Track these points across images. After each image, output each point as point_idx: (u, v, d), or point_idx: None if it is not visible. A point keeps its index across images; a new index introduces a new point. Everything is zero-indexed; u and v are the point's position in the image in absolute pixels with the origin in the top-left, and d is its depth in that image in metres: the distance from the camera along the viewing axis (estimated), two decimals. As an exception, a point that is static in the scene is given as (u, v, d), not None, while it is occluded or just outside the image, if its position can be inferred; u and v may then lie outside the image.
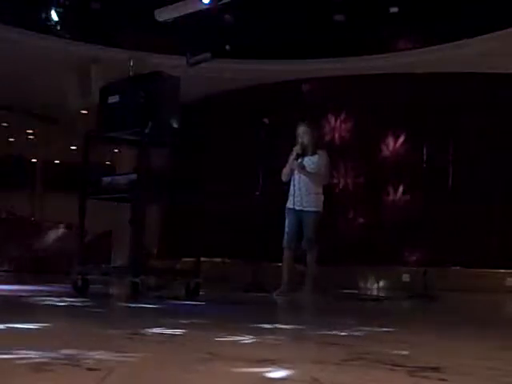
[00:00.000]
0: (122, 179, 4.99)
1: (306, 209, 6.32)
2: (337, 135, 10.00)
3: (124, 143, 5.86)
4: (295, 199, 6.30)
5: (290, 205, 6.40)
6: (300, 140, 6.43)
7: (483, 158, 9.05)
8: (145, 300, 4.44)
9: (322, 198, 6.39)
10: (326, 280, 7.30)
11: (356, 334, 3.00)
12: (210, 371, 1.72)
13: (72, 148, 15.52)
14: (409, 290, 7.08)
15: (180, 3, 7.38)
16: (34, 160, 16.27)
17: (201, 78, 8.77)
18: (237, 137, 10.56)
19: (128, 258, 6.89)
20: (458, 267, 8.64)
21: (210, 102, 10.79)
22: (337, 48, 9.33)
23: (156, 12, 7.62)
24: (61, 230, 11.28)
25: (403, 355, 2.16)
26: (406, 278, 8.56)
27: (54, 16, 7.36)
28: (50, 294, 5.29)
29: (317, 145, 6.45)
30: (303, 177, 6.34)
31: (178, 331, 2.77)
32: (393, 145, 9.59)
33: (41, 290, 6.03)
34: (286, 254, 6.39)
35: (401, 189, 9.44)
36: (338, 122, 9.96)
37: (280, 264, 6.54)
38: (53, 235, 11.01)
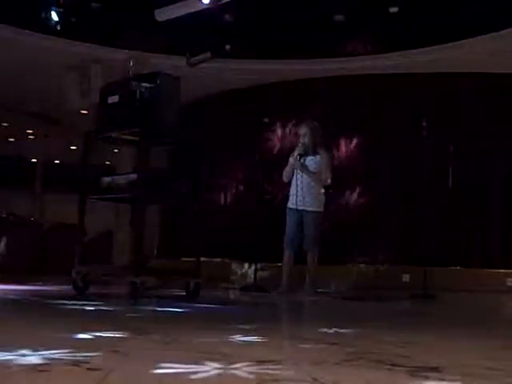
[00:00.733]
0: (122, 179, 4.99)
1: (307, 209, 6.32)
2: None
3: (124, 143, 5.85)
4: (297, 199, 6.30)
5: (291, 205, 6.40)
6: (302, 140, 6.43)
7: (483, 157, 9.04)
8: (145, 300, 4.44)
9: (323, 198, 6.39)
10: (326, 280, 7.31)
11: (356, 333, 3.00)
12: (210, 371, 1.72)
13: (72, 148, 15.52)
14: (409, 290, 7.08)
15: (180, 3, 7.38)
16: (34, 160, 16.27)
17: (201, 78, 8.77)
18: (237, 137, 10.56)
19: (128, 258, 6.90)
20: (457, 267, 8.64)
21: (210, 102, 10.79)
22: (337, 48, 9.32)
23: (156, 12, 7.62)
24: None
25: (403, 355, 2.16)
26: (405, 278, 8.56)
27: (54, 16, 7.36)
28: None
29: (319, 145, 6.45)
30: (305, 177, 6.34)
31: (178, 331, 2.77)
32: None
33: (43, 290, 6.03)
34: (287, 253, 6.39)
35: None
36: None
37: (280, 264, 6.54)
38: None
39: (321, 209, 6.37)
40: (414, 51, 8.94)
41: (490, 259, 8.72)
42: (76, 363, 1.73)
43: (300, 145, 6.42)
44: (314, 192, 6.35)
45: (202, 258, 5.27)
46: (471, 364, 2.07)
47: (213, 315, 3.94)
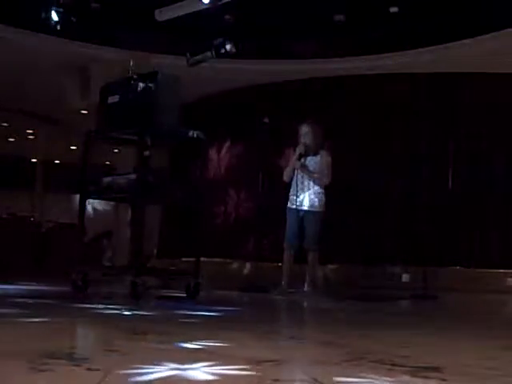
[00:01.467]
0: (121, 179, 4.99)
1: (307, 209, 6.33)
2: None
3: (124, 143, 5.85)
4: (297, 199, 6.30)
5: (291, 204, 6.40)
6: (302, 140, 6.43)
7: (483, 157, 9.04)
8: (145, 300, 4.44)
9: (323, 198, 6.39)
10: (326, 279, 7.33)
11: (356, 334, 3.00)
12: (210, 371, 1.72)
13: (72, 148, 15.52)
14: (409, 290, 7.07)
15: (180, 3, 7.37)
16: (34, 160, 16.27)
17: (201, 78, 8.76)
18: (237, 137, 10.56)
19: (128, 258, 6.91)
20: (457, 267, 8.64)
21: (210, 102, 10.79)
22: (337, 48, 9.32)
23: (156, 12, 7.61)
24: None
25: (403, 355, 2.16)
26: (405, 278, 8.56)
27: (54, 16, 7.35)
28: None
29: (319, 145, 6.46)
30: (305, 177, 6.35)
31: (178, 331, 2.77)
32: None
33: (43, 290, 6.03)
34: (287, 253, 6.39)
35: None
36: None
37: (280, 264, 6.55)
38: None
39: (321, 209, 6.38)
40: (414, 51, 8.95)
41: (490, 259, 8.71)
42: (76, 363, 1.73)
43: (301, 144, 6.42)
44: (314, 192, 6.35)
45: (202, 258, 5.27)
46: (471, 364, 2.07)
47: (212, 315, 3.94)
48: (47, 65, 9.63)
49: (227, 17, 8.64)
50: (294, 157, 6.40)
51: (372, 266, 8.86)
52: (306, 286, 6.28)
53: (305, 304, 5.71)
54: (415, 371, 1.79)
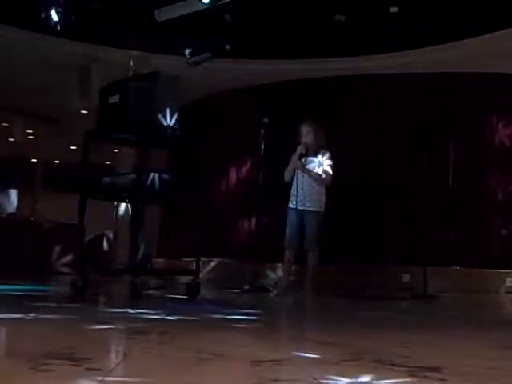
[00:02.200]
0: (122, 179, 4.99)
1: (308, 209, 6.33)
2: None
3: (124, 143, 5.85)
4: (297, 199, 6.31)
5: (291, 204, 6.40)
6: (303, 140, 6.44)
7: (483, 157, 9.05)
8: (145, 300, 4.44)
9: (324, 198, 6.39)
10: (326, 279, 7.31)
11: (355, 333, 3.00)
12: (210, 371, 1.72)
13: (72, 148, 15.52)
14: (409, 290, 7.08)
15: (180, 3, 7.37)
16: (34, 160, 16.26)
17: (201, 78, 8.76)
18: (237, 137, 10.55)
19: (128, 258, 6.90)
20: (457, 267, 8.64)
21: (209, 102, 10.78)
22: (338, 48, 9.32)
23: (156, 12, 7.61)
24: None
25: (403, 355, 2.16)
26: (405, 278, 8.56)
27: (54, 16, 7.35)
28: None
29: (320, 145, 6.46)
30: (306, 176, 6.35)
31: (179, 331, 2.77)
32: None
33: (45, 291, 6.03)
34: (287, 253, 6.39)
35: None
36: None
37: (280, 264, 6.55)
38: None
39: (321, 209, 6.38)
40: (414, 51, 8.95)
41: (490, 259, 8.72)
42: (76, 363, 1.73)
43: (302, 144, 6.42)
44: (314, 192, 6.35)
45: (202, 258, 5.28)
46: (471, 364, 2.07)
47: (212, 315, 3.94)
48: (47, 65, 9.63)
49: (227, 17, 8.64)
50: (295, 156, 6.40)
51: (372, 266, 8.85)
52: (305, 285, 6.28)
53: (304, 304, 5.71)
54: (415, 371, 1.79)
